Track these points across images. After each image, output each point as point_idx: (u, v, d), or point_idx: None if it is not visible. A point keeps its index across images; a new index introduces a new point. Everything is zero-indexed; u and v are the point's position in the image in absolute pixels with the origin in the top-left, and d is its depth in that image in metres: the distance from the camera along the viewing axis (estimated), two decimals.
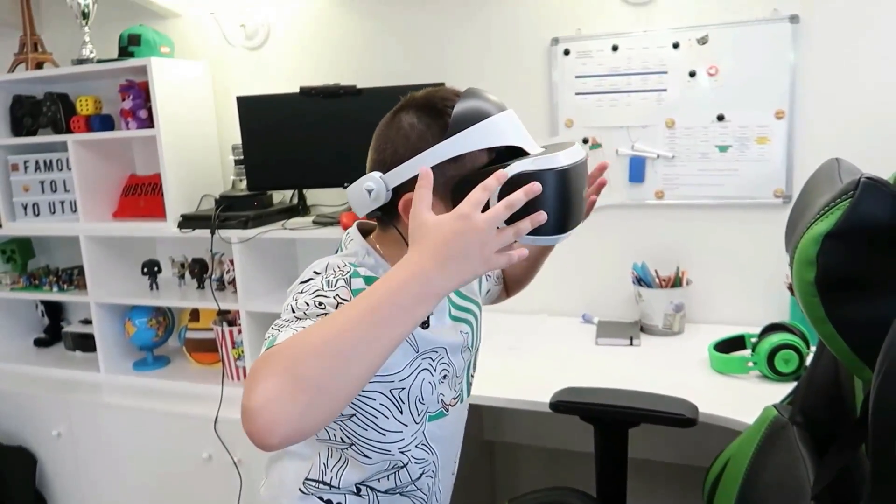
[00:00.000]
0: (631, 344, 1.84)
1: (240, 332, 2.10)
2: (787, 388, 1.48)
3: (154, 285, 2.35)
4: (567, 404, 1.41)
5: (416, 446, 0.98)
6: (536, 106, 2.07)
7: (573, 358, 1.80)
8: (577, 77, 2.01)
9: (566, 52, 2.00)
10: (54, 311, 2.77)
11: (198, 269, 2.33)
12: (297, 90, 2.05)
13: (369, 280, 0.88)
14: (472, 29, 2.10)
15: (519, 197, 0.71)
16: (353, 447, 0.96)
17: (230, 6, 2.33)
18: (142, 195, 2.40)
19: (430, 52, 2.15)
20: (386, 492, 1.00)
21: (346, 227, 1.96)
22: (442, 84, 2.02)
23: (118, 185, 2.45)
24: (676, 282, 1.91)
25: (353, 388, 0.67)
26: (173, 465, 2.10)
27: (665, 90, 1.92)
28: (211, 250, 2.10)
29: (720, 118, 1.88)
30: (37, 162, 2.41)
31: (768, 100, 1.83)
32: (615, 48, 1.95)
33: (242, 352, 2.11)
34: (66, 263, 2.62)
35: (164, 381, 2.26)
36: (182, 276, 2.39)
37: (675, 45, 1.89)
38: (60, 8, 2.46)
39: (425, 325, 0.95)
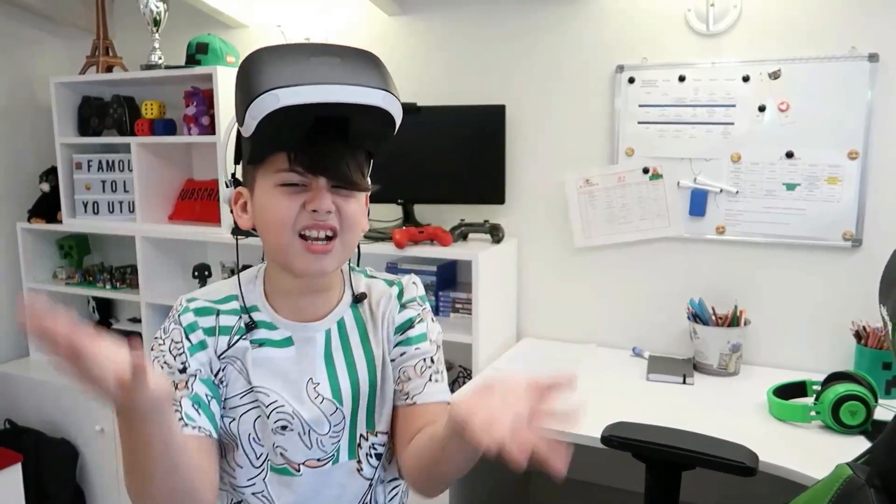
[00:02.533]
0: (684, 382, 1.78)
1: None
2: (852, 441, 1.42)
3: None
4: (620, 440, 1.37)
5: (252, 493, 0.92)
6: (597, 133, 2.04)
7: (622, 392, 1.75)
8: (640, 106, 1.97)
9: (631, 81, 1.97)
10: (105, 308, 2.82)
11: None
12: None
13: (200, 311, 0.92)
14: (537, 52, 2.09)
15: None
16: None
17: (296, 19, 2.36)
18: (198, 200, 2.44)
19: (492, 72, 2.14)
20: None
21: (398, 244, 1.96)
22: (502, 106, 2.04)
23: (176, 188, 2.50)
24: (734, 321, 1.84)
25: (152, 471, 0.76)
26: None
27: (732, 123, 1.88)
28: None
29: (789, 155, 1.83)
30: (100, 162, 2.47)
31: (841, 139, 1.77)
32: (682, 78, 1.91)
33: None
34: (119, 262, 2.68)
35: None
36: None
37: (745, 79, 1.85)
38: (133, 14, 2.53)
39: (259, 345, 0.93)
